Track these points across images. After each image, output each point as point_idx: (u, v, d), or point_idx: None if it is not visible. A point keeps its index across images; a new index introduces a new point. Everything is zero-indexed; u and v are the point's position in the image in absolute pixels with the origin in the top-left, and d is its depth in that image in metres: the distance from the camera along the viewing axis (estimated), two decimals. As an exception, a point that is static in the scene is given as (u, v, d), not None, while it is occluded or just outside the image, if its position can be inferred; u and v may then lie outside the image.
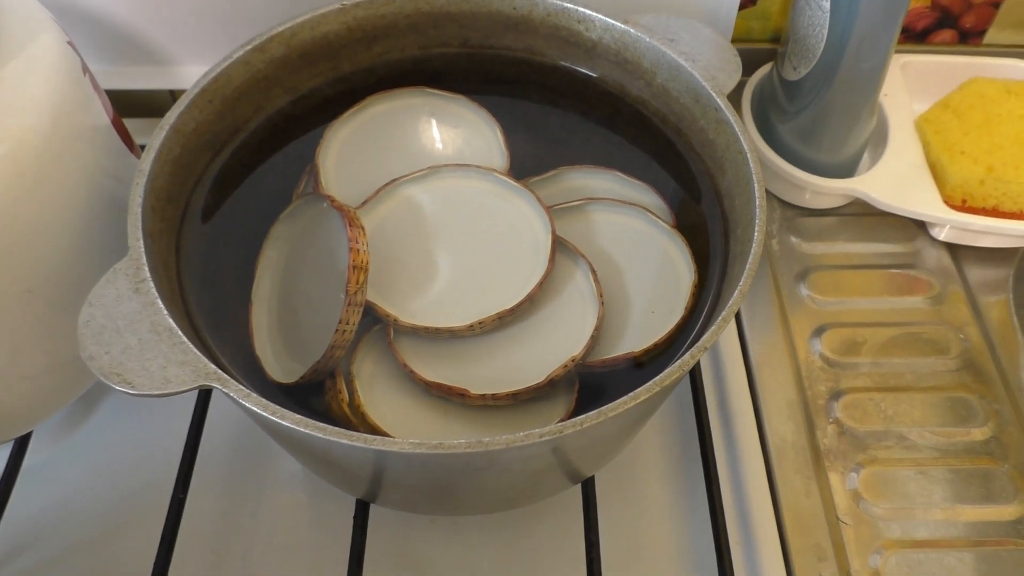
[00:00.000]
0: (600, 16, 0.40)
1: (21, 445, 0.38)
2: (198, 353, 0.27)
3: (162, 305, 0.28)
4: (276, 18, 0.38)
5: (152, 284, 0.29)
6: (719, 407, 0.44)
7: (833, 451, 0.43)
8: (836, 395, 0.45)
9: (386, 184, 0.37)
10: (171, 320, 0.28)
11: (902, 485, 0.42)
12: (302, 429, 0.26)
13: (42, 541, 0.39)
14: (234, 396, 0.27)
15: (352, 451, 0.27)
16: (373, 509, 0.37)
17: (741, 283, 0.31)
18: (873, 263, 0.50)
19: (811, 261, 0.50)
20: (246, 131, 0.38)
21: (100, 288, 0.28)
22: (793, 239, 0.51)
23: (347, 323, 0.32)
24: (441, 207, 0.37)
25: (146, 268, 0.29)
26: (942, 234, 0.50)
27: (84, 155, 0.34)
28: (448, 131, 0.40)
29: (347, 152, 0.39)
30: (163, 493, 0.37)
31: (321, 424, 0.26)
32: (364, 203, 0.37)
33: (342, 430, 0.26)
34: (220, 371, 0.27)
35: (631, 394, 0.27)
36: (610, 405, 0.27)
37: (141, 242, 0.30)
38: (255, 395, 0.26)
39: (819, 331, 0.47)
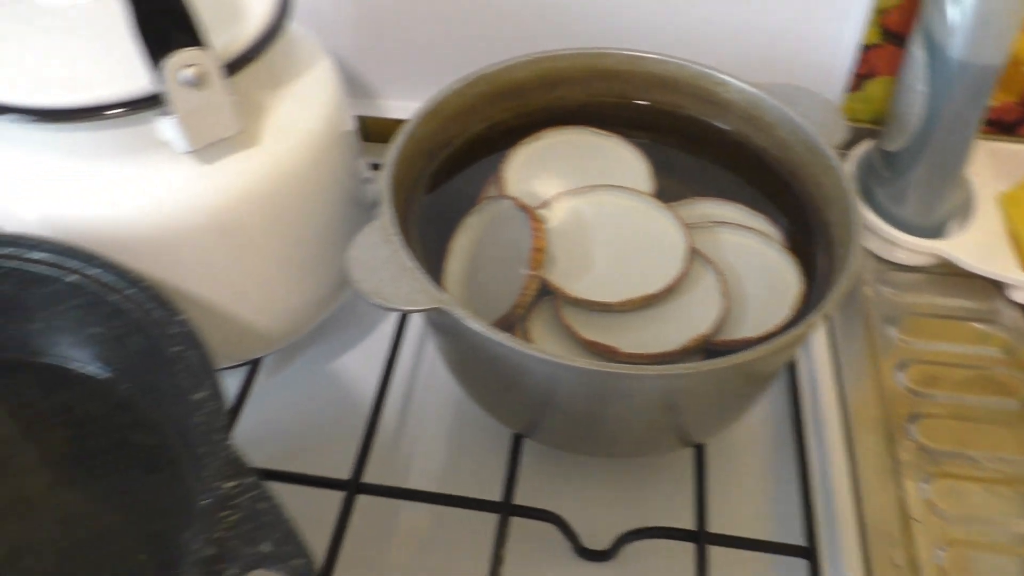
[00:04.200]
0: (735, 80, 0.49)
1: (253, 370, 0.49)
2: (434, 286, 0.37)
3: (405, 253, 0.39)
4: (455, 69, 0.49)
5: (398, 238, 0.39)
6: (813, 415, 0.52)
7: (909, 462, 0.49)
8: (915, 418, 0.51)
9: (555, 196, 0.47)
10: (412, 263, 0.38)
11: (969, 497, 0.48)
12: (511, 345, 0.35)
13: (258, 449, 0.49)
14: (458, 316, 0.36)
15: (539, 365, 0.36)
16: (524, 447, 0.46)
17: (839, 285, 0.39)
18: (955, 315, 0.57)
19: (900, 308, 0.58)
20: (452, 146, 0.49)
21: (361, 237, 0.39)
22: (885, 289, 0.59)
23: (528, 289, 0.42)
24: (600, 216, 0.47)
25: (392, 227, 0.40)
26: (1018, 296, 0.57)
27: (340, 151, 0.46)
28: (605, 163, 0.50)
29: (525, 170, 0.49)
30: (359, 416, 0.47)
31: (523, 341, 0.35)
32: (537, 208, 0.47)
33: (537, 346, 0.35)
34: (449, 298, 0.37)
35: (749, 350, 0.36)
36: (733, 355, 0.36)
37: (389, 208, 0.40)
38: (475, 316, 0.36)
39: (903, 365, 0.54)
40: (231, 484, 0.27)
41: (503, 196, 0.47)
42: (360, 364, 0.53)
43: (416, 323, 0.55)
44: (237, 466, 0.28)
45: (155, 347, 0.32)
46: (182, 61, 0.34)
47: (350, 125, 0.48)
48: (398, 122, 0.62)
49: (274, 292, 0.45)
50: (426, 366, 0.54)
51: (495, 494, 0.44)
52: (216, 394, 0.29)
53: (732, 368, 0.36)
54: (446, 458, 0.49)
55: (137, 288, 0.33)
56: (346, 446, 0.47)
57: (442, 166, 0.48)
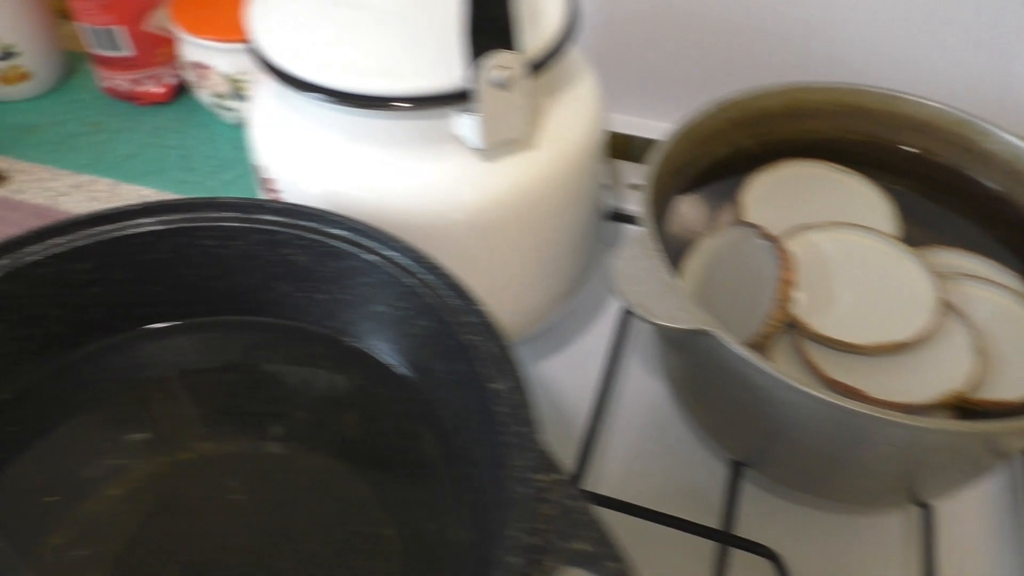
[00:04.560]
0: (1001, 131, 0.47)
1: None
2: (695, 306, 0.37)
3: (666, 269, 0.39)
4: (686, 92, 0.49)
5: (661, 254, 0.39)
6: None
7: None
8: None
9: (793, 227, 0.47)
10: (674, 280, 0.38)
11: None
12: (777, 375, 0.35)
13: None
14: (720, 339, 0.36)
15: (797, 398, 0.36)
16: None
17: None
18: None
19: None
20: (696, 167, 0.49)
21: (626, 249, 0.40)
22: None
23: (774, 319, 0.41)
24: (842, 254, 0.46)
25: (654, 242, 0.40)
26: None
27: (595, 161, 0.47)
28: (846, 200, 0.49)
29: (763, 198, 0.49)
30: (567, 420, 0.48)
31: (791, 374, 0.35)
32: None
33: (804, 380, 0.35)
34: (712, 319, 0.37)
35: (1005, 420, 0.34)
36: (1013, 419, 0.34)
37: (651, 224, 0.41)
38: (738, 343, 0.36)
39: None
40: (546, 478, 0.28)
41: (746, 223, 0.47)
42: (568, 369, 0.54)
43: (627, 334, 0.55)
44: (548, 461, 0.29)
45: (446, 333, 0.33)
46: (497, 62, 0.35)
47: (602, 135, 0.49)
48: (620, 136, 0.64)
49: (517, 290, 0.46)
50: (632, 379, 0.54)
51: (703, 518, 0.44)
52: (521, 387, 0.30)
53: (1006, 432, 0.34)
54: (653, 475, 0.49)
55: (434, 275, 0.35)
56: (556, 450, 0.47)
57: (686, 186, 0.49)
